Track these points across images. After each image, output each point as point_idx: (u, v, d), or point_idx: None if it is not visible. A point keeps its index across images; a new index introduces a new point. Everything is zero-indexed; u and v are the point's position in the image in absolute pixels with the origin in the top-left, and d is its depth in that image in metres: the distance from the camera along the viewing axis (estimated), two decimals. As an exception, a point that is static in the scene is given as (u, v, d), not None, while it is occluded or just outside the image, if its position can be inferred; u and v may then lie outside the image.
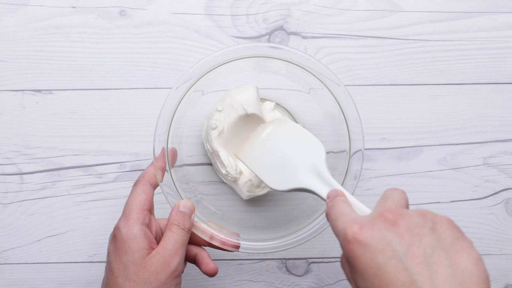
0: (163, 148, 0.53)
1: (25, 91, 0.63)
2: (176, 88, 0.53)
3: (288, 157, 0.52)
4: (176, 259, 0.50)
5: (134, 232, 0.50)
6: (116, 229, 0.51)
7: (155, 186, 0.54)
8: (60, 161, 0.63)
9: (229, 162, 0.58)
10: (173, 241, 0.50)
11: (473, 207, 0.64)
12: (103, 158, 0.63)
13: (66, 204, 0.63)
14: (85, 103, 0.63)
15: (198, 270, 0.63)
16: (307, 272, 0.63)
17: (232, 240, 0.54)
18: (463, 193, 0.64)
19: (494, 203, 0.64)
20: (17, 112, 0.63)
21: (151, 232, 0.52)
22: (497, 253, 0.64)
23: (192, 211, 0.53)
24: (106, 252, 0.63)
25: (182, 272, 0.52)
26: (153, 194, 0.53)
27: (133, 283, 0.49)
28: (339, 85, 0.54)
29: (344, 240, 0.39)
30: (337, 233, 0.41)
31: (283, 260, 0.63)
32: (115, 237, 0.51)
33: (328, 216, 0.43)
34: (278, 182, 0.52)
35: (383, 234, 0.37)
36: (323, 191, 0.48)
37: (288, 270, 0.63)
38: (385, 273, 0.36)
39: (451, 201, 0.64)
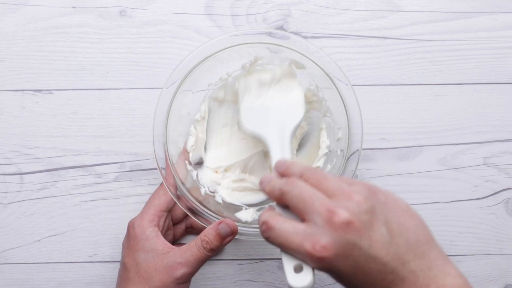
0: (167, 163, 0.56)
1: (25, 91, 0.63)
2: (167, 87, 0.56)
3: (270, 109, 0.56)
4: (184, 269, 0.52)
5: (147, 233, 0.54)
6: (131, 226, 0.55)
7: (176, 188, 0.56)
8: (60, 161, 0.63)
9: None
10: (190, 253, 0.53)
11: (473, 207, 0.64)
12: (103, 158, 0.63)
13: (66, 204, 0.63)
14: (85, 103, 0.63)
15: (198, 270, 0.63)
16: (307, 272, 0.63)
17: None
18: (463, 193, 0.64)
19: (494, 203, 0.64)
20: (17, 112, 0.63)
21: (162, 230, 0.56)
22: (497, 253, 0.64)
23: (229, 234, 0.54)
24: (106, 252, 0.63)
25: (189, 281, 0.54)
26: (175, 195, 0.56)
27: (141, 278, 0.53)
28: (347, 85, 0.56)
29: (310, 260, 0.40)
30: (297, 254, 0.41)
31: (283, 260, 0.63)
32: (129, 234, 0.55)
33: (273, 242, 0.42)
34: (249, 123, 0.56)
35: (344, 239, 0.39)
36: (274, 149, 0.53)
37: (288, 270, 0.63)
38: (360, 271, 0.39)
39: (451, 201, 0.64)
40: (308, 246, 0.39)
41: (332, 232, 0.39)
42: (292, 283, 0.42)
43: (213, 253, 0.53)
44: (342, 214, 0.39)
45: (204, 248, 0.53)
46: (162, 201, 0.56)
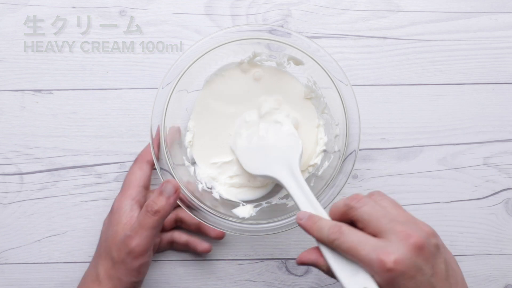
0: (158, 127, 0.55)
1: (25, 91, 0.63)
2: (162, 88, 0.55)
3: (268, 148, 0.56)
4: (135, 241, 0.51)
5: (123, 206, 0.55)
6: (113, 203, 0.56)
7: (151, 164, 0.58)
8: (60, 161, 0.63)
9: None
10: (137, 222, 0.52)
11: (473, 207, 0.64)
12: (103, 158, 0.63)
13: (66, 204, 0.63)
14: (85, 103, 0.63)
15: (198, 269, 0.63)
16: (307, 272, 0.63)
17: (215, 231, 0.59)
18: (463, 193, 0.64)
19: (494, 203, 0.64)
20: (17, 112, 0.63)
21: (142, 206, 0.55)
22: (497, 253, 0.64)
23: (172, 193, 0.51)
24: (106, 252, 0.63)
25: (149, 252, 0.52)
26: (150, 171, 0.58)
27: (106, 253, 0.53)
28: (347, 85, 0.55)
29: (378, 269, 0.41)
30: (365, 262, 0.42)
31: (283, 260, 0.63)
32: (111, 210, 0.56)
33: (339, 245, 0.44)
34: (253, 167, 0.57)
35: (414, 261, 0.41)
36: (289, 184, 0.52)
37: (288, 270, 0.63)
38: None
39: (451, 201, 0.64)
40: (380, 255, 0.41)
41: (405, 250, 0.41)
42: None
43: (160, 216, 0.51)
44: (418, 238, 0.42)
45: (149, 212, 0.50)
46: (138, 176, 0.57)
